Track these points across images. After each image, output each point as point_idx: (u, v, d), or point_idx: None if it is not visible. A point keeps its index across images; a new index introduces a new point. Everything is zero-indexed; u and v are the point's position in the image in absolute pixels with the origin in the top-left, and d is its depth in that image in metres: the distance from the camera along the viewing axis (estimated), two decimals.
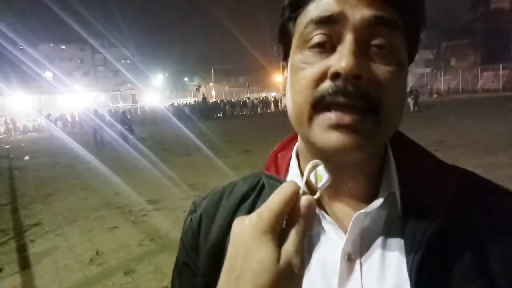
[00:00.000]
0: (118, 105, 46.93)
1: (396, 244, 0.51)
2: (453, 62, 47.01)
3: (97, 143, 15.17)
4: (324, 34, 0.47)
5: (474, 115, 16.17)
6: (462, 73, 40.46)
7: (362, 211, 0.51)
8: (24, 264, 4.46)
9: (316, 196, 0.40)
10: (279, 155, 0.66)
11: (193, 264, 0.64)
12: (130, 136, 14.90)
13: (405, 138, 0.60)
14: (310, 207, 0.38)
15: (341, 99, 0.45)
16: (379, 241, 0.51)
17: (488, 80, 37.68)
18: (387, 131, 0.49)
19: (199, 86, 58.14)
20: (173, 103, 44.69)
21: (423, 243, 0.47)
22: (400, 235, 0.50)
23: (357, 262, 0.51)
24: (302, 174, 0.58)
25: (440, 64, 47.21)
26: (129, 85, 69.64)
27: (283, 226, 0.38)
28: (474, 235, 0.49)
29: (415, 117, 17.93)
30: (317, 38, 0.47)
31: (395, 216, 0.52)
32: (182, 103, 42.69)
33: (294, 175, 0.60)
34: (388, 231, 0.52)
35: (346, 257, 0.51)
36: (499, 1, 42.05)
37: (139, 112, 39.60)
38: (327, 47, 0.47)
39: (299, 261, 0.36)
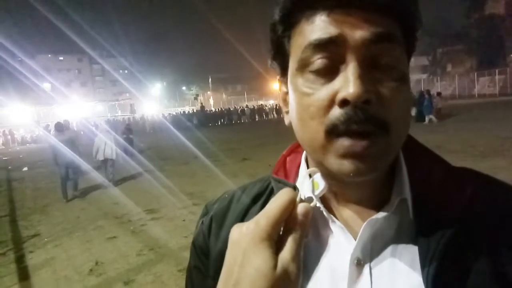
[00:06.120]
0: (116, 115, 46.96)
1: (408, 251, 0.50)
2: (449, 67, 47.21)
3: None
4: (325, 57, 0.46)
5: (471, 120, 16.22)
6: (459, 79, 40.56)
7: (373, 217, 0.51)
8: (23, 275, 4.44)
9: (313, 204, 0.40)
10: (288, 159, 0.65)
11: (204, 267, 0.64)
12: (130, 148, 14.82)
13: (416, 142, 0.59)
14: (306, 214, 0.38)
15: (354, 126, 0.44)
16: (390, 247, 0.51)
17: (484, 85, 37.82)
18: (397, 146, 0.50)
19: (197, 95, 58.11)
20: (171, 112, 44.77)
21: (438, 253, 0.47)
22: (413, 242, 0.50)
23: (367, 267, 0.51)
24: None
25: (436, 70, 47.42)
26: (127, 94, 69.87)
27: (280, 233, 0.38)
28: (491, 244, 0.48)
29: (412, 123, 17.94)
30: (318, 62, 0.47)
31: (407, 223, 0.51)
32: (180, 112, 42.75)
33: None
34: (400, 238, 0.51)
35: (355, 262, 0.51)
36: (494, 7, 42.42)
37: (139, 122, 39.59)
38: (330, 69, 0.46)
39: (296, 268, 0.36)
